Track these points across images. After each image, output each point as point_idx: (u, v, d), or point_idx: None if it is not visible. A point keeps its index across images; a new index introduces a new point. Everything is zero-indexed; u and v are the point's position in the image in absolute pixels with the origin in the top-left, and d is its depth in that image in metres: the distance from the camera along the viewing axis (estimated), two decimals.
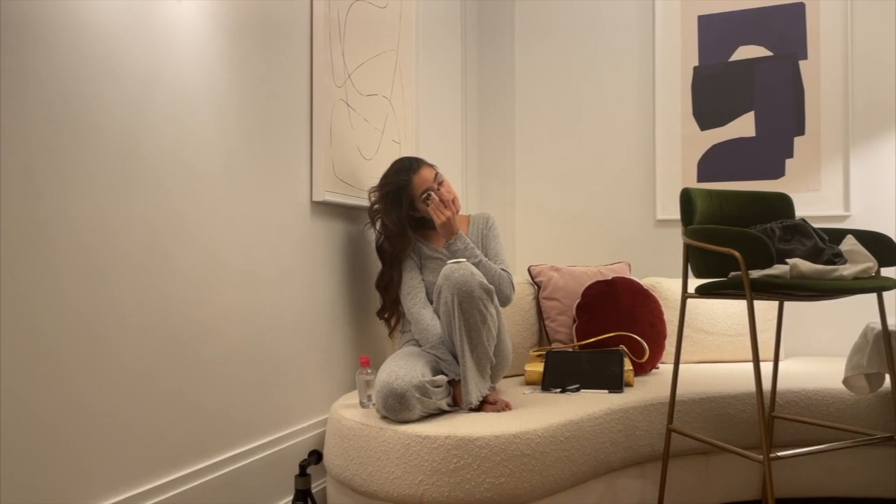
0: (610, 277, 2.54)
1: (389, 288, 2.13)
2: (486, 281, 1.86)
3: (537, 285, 2.64)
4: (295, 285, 1.96)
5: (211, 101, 1.62)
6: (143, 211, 1.43)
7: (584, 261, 3.19)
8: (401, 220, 2.10)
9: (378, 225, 2.16)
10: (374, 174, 2.30)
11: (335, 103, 2.12)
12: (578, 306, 2.47)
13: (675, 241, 3.07)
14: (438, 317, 1.98)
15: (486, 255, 2.18)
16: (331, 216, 2.14)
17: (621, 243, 3.17)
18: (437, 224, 2.06)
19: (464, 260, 1.90)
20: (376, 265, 2.23)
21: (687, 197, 1.96)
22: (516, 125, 3.36)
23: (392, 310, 2.16)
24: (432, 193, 2.08)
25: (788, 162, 2.94)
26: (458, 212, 2.14)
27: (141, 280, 1.42)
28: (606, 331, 2.38)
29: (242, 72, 1.73)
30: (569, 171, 3.28)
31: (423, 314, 2.04)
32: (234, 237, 1.71)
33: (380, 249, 2.16)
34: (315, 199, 2.02)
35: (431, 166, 2.16)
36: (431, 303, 2.07)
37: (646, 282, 2.75)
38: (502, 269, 2.09)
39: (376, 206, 2.14)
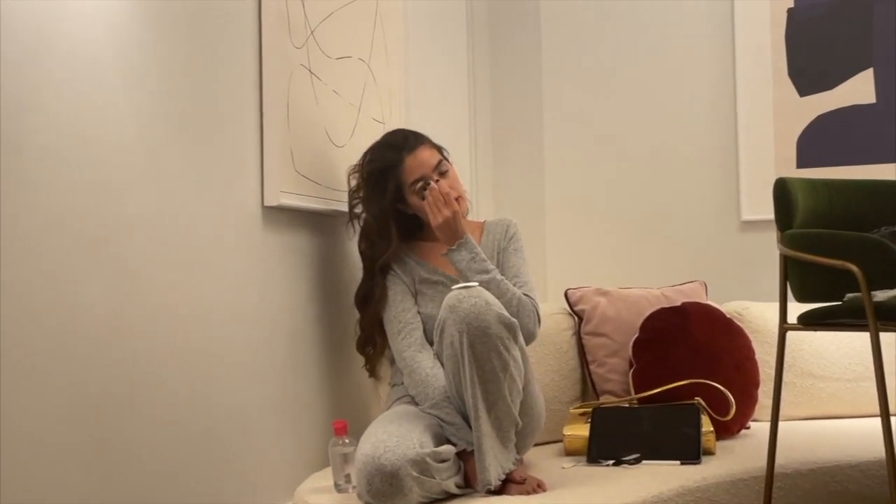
0: (679, 303, 2.52)
1: (368, 303, 2.16)
2: (506, 312, 1.86)
3: (578, 316, 2.62)
4: (244, 320, 1.95)
5: (124, 71, 1.62)
6: (32, 222, 1.42)
7: (642, 280, 3.10)
8: (384, 213, 2.13)
9: (361, 218, 2.21)
10: (348, 165, 2.28)
11: (293, 70, 2.11)
12: (636, 344, 2.45)
13: (767, 251, 2.96)
14: (441, 363, 1.96)
15: (504, 275, 2.16)
16: (291, 225, 2.14)
17: (693, 255, 3.16)
18: (434, 226, 2.06)
19: (475, 284, 1.89)
20: (356, 286, 2.24)
21: (783, 190, 1.96)
22: (544, 98, 3.35)
23: (372, 336, 2.18)
24: (431, 182, 2.09)
25: None
26: (464, 215, 2.16)
27: (27, 320, 1.41)
28: (676, 378, 2.36)
29: (165, 32, 1.73)
30: (617, 159, 3.28)
31: (419, 360, 2.04)
32: (160, 256, 1.70)
33: (361, 251, 2.21)
34: (268, 202, 2.03)
35: (436, 147, 2.19)
36: (431, 343, 2.06)
37: (729, 308, 2.72)
38: (524, 294, 2.09)
39: (356, 192, 2.18)
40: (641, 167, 3.26)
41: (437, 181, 2.11)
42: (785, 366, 2.43)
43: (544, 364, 2.50)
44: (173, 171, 1.76)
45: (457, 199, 2.13)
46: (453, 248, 2.05)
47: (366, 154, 2.20)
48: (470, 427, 1.85)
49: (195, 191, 1.82)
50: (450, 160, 2.23)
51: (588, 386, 2.58)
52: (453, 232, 2.05)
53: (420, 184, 2.11)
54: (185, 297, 1.78)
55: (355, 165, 2.22)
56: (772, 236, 3.00)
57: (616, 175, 3.29)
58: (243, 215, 1.97)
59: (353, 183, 2.21)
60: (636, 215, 3.26)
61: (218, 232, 1.88)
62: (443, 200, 2.06)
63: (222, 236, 1.90)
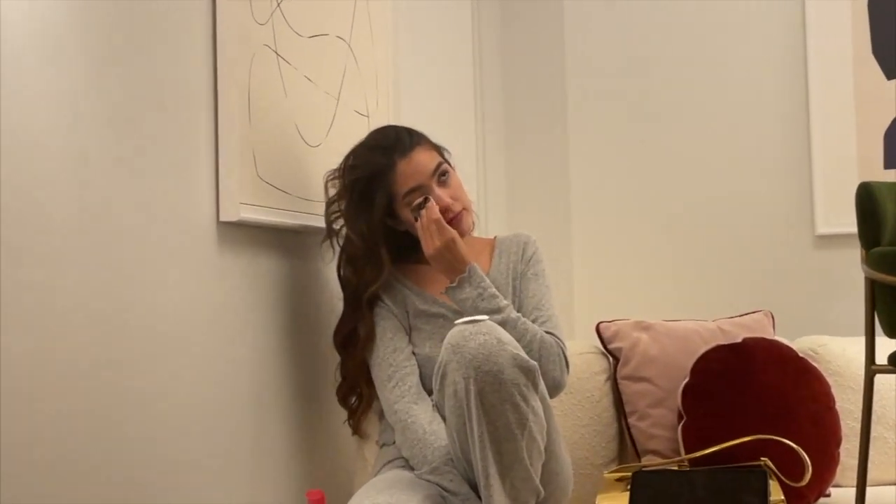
0: (739, 339, 2.50)
1: (351, 343, 2.15)
2: (523, 353, 1.81)
3: (613, 356, 2.62)
4: (194, 363, 1.91)
5: (44, 54, 1.57)
6: None
7: (693, 311, 3.10)
8: (372, 231, 2.12)
9: (341, 236, 2.20)
10: (324, 169, 2.27)
11: (255, 51, 2.08)
12: (686, 391, 2.43)
13: (849, 273, 2.94)
14: (442, 417, 1.93)
15: (521, 307, 2.17)
16: (253, 245, 2.11)
17: (756, 279, 3.19)
18: (427, 256, 2.06)
19: (484, 317, 1.84)
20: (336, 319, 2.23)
21: (868, 197, 2.00)
22: (568, 83, 3.39)
23: (356, 385, 2.19)
24: (431, 200, 2.10)
25: None
26: (468, 231, 2.19)
27: None
28: (736, 433, 2.29)
29: (97, 7, 1.68)
30: (660, 158, 3.34)
31: (415, 414, 2.03)
32: (89, 283, 1.64)
33: (342, 277, 2.21)
34: (224, 217, 1.98)
35: (435, 147, 2.21)
36: (429, 392, 2.04)
37: (802, 345, 2.70)
38: (547, 332, 2.09)
39: (335, 204, 2.18)
40: (690, 170, 3.29)
41: (434, 191, 2.12)
42: (873, 417, 2.41)
43: (572, 417, 2.52)
44: (105, 178, 1.69)
45: (461, 213, 2.16)
46: (453, 284, 2.04)
47: (348, 157, 2.18)
48: (479, 497, 1.82)
49: (133, 203, 1.75)
50: (451, 163, 2.22)
51: (627, 444, 2.57)
52: (450, 264, 2.06)
53: (418, 200, 2.12)
54: (121, 335, 1.72)
55: (335, 171, 2.20)
56: (854, 254, 2.94)
57: (659, 179, 3.32)
58: (194, 233, 1.93)
59: (332, 192, 2.19)
60: (684, 229, 3.29)
61: (162, 254, 1.83)
62: (435, 227, 2.05)
63: (168, 259, 1.85)
